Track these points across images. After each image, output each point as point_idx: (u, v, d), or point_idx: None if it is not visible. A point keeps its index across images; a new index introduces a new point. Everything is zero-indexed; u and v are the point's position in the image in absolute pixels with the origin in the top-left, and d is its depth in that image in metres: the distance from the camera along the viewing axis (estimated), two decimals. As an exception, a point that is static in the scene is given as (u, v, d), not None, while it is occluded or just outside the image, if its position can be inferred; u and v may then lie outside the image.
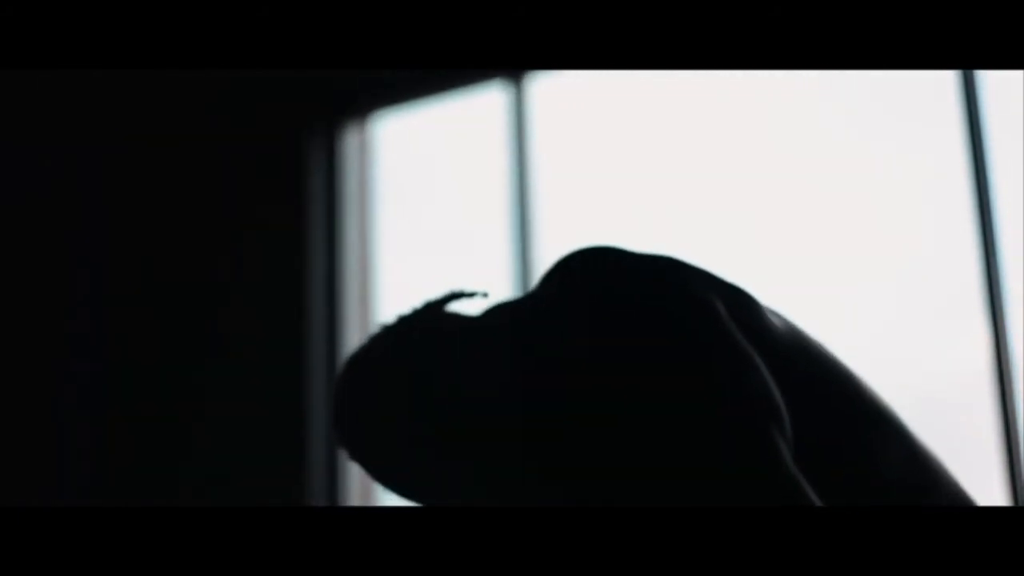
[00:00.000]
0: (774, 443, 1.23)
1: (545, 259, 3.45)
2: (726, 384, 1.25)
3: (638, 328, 1.29)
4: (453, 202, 3.79)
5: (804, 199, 3.17)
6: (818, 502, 1.20)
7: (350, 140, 3.89)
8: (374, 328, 1.45)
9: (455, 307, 1.47)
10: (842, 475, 1.30)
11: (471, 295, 1.48)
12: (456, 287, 1.46)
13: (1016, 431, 2.73)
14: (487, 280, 3.55)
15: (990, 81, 2.91)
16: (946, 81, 2.98)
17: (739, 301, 1.37)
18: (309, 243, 3.72)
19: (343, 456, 3.60)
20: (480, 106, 3.69)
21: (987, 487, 2.69)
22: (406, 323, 1.43)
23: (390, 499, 3.57)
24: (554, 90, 3.56)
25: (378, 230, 3.86)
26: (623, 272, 1.36)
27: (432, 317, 1.43)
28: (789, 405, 1.30)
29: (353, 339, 3.73)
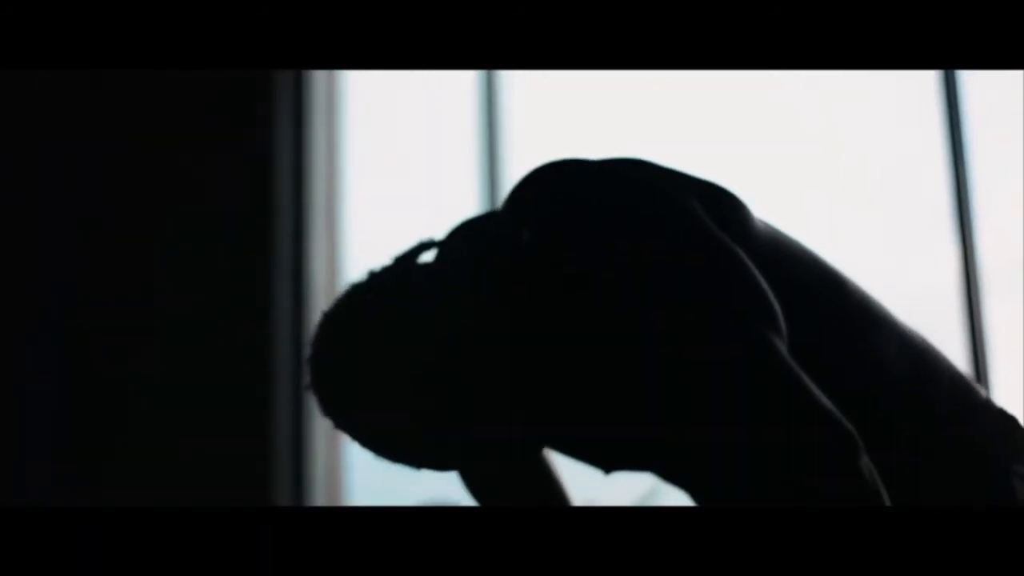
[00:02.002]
0: (767, 340, 1.19)
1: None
2: (710, 284, 1.22)
3: (615, 237, 1.25)
4: (421, 139, 3.75)
5: (775, 126, 3.15)
6: (820, 396, 1.17)
7: (317, 78, 3.83)
8: (344, 286, 1.39)
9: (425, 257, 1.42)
10: (840, 376, 1.27)
11: (440, 244, 1.43)
12: (424, 238, 1.42)
13: (984, 350, 2.73)
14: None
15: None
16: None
17: (718, 200, 1.33)
18: (275, 177, 3.65)
19: (318, 417, 3.50)
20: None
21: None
22: (378, 279, 1.38)
23: (357, 496, 3.56)
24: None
25: (346, 170, 3.81)
26: (592, 183, 1.32)
27: (403, 270, 1.39)
28: (780, 305, 1.25)
29: (319, 307, 3.60)
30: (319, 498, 3.51)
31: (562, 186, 1.33)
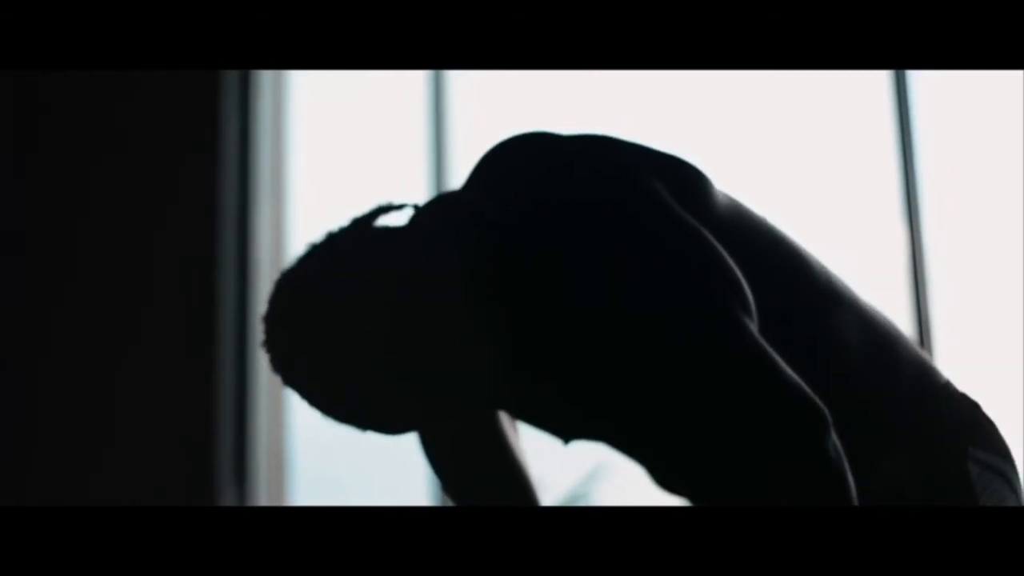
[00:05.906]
0: (735, 318, 1.19)
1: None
2: (676, 264, 1.21)
3: (579, 219, 1.24)
4: (369, 140, 3.73)
5: (727, 98, 3.16)
6: (790, 372, 1.17)
7: (264, 79, 3.80)
8: (303, 248, 1.39)
9: (384, 220, 1.41)
10: (804, 353, 1.26)
11: (399, 207, 1.42)
12: (382, 201, 1.41)
13: (929, 333, 2.73)
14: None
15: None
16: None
17: (682, 176, 1.33)
18: (221, 178, 3.61)
19: (261, 408, 3.48)
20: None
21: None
22: (335, 239, 1.37)
23: (300, 496, 3.50)
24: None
25: (292, 171, 3.78)
26: (557, 161, 1.31)
27: (362, 232, 1.38)
28: (746, 282, 1.25)
29: (264, 302, 3.58)
30: (262, 476, 3.46)
31: (529, 163, 1.32)
